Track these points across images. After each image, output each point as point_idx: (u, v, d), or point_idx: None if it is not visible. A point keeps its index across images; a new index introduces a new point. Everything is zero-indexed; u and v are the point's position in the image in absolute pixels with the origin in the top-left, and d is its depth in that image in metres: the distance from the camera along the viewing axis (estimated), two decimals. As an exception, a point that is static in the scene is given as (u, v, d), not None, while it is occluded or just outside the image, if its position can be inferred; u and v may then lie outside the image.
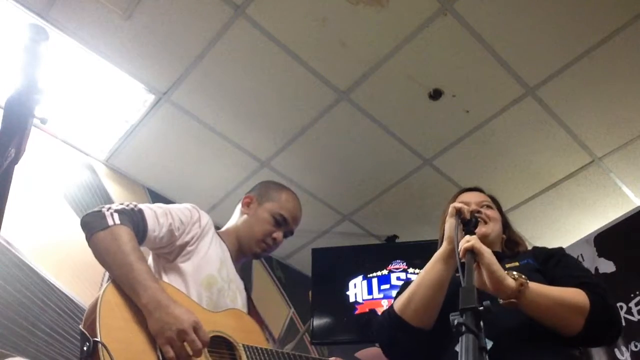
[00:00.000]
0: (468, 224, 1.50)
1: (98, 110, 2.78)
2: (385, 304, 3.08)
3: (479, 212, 1.65)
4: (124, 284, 1.50)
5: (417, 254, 3.15)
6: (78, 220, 1.63)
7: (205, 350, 1.50)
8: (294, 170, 3.11)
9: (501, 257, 1.57)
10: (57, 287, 2.48)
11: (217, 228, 2.00)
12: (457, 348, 0.97)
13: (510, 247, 1.73)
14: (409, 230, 3.44)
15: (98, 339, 1.35)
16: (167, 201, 3.12)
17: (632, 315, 2.86)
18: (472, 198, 1.77)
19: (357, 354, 3.52)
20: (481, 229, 1.59)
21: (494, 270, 1.35)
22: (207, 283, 1.72)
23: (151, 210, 1.70)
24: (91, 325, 1.40)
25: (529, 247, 1.75)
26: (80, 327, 1.45)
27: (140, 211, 1.67)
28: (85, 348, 1.38)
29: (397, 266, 3.17)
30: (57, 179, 2.78)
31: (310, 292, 3.30)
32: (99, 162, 3.04)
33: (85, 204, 2.80)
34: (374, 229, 3.51)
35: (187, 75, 2.65)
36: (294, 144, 2.97)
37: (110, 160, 3.05)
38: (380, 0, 2.35)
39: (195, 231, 1.77)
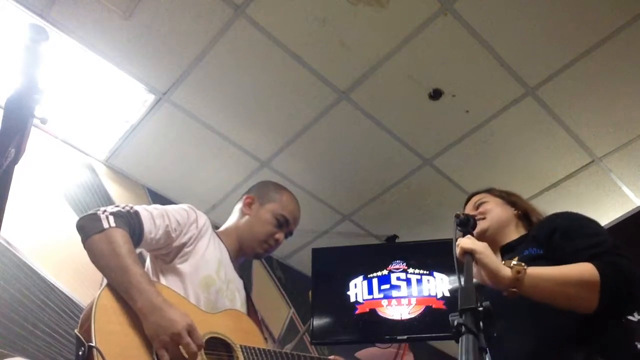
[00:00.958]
0: (465, 225, 1.54)
1: (98, 110, 2.78)
2: (385, 303, 3.07)
3: (474, 216, 1.68)
4: (119, 288, 1.48)
5: (417, 254, 3.15)
6: (78, 221, 1.63)
7: (202, 352, 1.49)
8: (294, 170, 3.11)
9: (513, 247, 1.63)
10: (57, 287, 2.48)
11: (217, 228, 2.00)
12: None
13: (530, 224, 1.74)
14: (409, 230, 3.43)
15: (93, 344, 1.34)
16: (167, 201, 3.12)
17: (632, 315, 2.86)
18: (467, 208, 1.84)
19: (357, 354, 3.52)
20: (478, 227, 1.65)
21: (486, 264, 1.36)
22: (204, 284, 1.71)
23: (147, 212, 1.68)
24: (86, 330, 1.39)
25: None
26: (76, 331, 1.43)
27: (137, 213, 1.65)
28: (80, 353, 1.37)
29: (397, 266, 3.16)
30: (57, 179, 2.78)
31: (310, 292, 3.30)
32: (99, 162, 3.04)
33: (85, 204, 2.80)
34: (374, 229, 3.50)
35: (187, 75, 2.64)
36: (294, 144, 2.97)
37: (110, 160, 3.04)
38: (380, 0, 2.35)
39: (193, 232, 1.76)
